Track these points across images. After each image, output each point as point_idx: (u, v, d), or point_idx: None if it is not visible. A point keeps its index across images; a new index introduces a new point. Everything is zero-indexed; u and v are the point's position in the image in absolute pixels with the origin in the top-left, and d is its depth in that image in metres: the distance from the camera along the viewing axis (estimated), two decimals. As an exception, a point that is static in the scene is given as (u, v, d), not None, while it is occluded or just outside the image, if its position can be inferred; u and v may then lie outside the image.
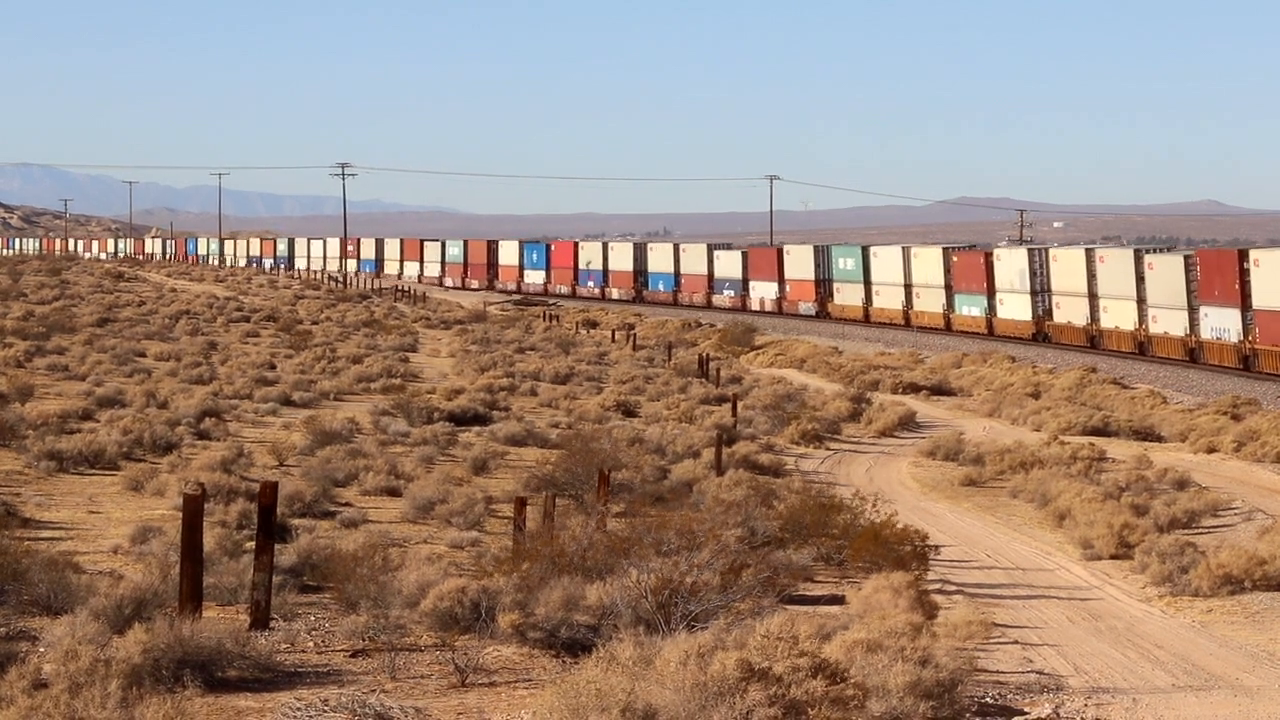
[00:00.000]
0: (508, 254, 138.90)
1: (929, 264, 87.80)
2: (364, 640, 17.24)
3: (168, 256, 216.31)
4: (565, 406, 48.43)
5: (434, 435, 37.83)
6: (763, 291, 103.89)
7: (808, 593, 22.25)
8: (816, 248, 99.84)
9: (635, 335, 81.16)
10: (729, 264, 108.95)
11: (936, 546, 26.53)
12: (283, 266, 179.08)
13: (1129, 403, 53.77)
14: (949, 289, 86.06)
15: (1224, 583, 22.97)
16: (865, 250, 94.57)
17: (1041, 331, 77.38)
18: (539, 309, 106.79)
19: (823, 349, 75.65)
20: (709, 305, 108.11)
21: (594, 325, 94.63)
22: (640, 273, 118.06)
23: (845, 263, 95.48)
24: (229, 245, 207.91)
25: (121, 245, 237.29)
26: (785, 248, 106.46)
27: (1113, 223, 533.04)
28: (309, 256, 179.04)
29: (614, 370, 62.01)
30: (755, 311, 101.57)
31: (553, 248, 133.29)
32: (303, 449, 34.04)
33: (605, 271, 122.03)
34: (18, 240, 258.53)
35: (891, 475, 38.72)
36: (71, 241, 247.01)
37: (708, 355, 66.58)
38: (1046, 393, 57.21)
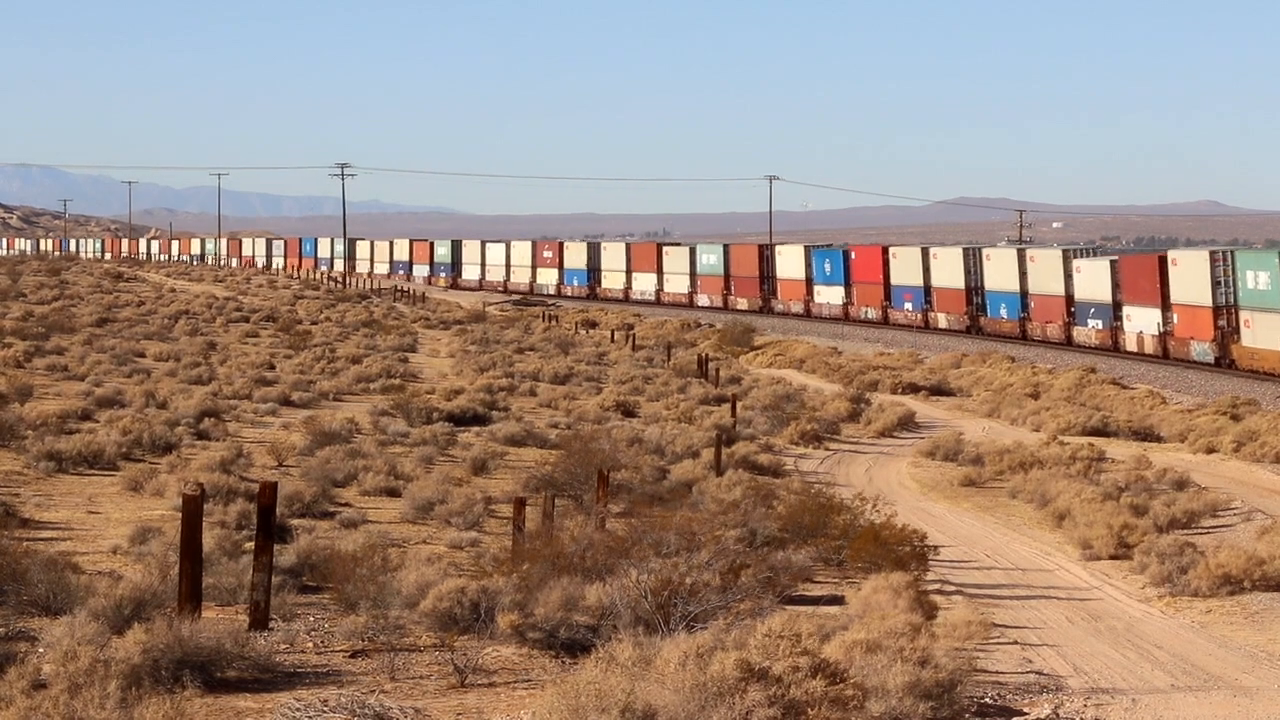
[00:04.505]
0: (790, 264, 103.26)
1: None
2: (363, 641, 17.23)
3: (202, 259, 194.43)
4: (564, 407, 48.41)
5: (433, 435, 37.81)
6: (1141, 322, 70.22)
7: (807, 593, 22.23)
8: (1213, 254, 65.76)
9: (634, 335, 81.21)
10: (1093, 279, 75.10)
11: (936, 547, 26.50)
12: (443, 275, 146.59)
13: (1128, 403, 53.75)
14: None
15: (1223, 583, 22.98)
16: None
17: None
18: (538, 309, 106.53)
19: (822, 349, 75.67)
20: (1068, 342, 76.10)
21: (593, 325, 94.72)
22: (974, 291, 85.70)
23: (1256, 279, 61.09)
24: (361, 248, 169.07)
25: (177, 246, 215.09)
26: (1171, 255, 71.06)
27: (1111, 223, 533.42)
28: (483, 265, 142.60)
29: (613, 371, 62.02)
30: (1130, 354, 70.26)
31: (853, 255, 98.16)
32: (302, 449, 34.02)
33: (927, 289, 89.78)
34: (71, 241, 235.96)
35: (891, 476, 38.71)
36: (157, 243, 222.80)
37: (707, 356, 66.57)
38: (1046, 393, 57.22)
